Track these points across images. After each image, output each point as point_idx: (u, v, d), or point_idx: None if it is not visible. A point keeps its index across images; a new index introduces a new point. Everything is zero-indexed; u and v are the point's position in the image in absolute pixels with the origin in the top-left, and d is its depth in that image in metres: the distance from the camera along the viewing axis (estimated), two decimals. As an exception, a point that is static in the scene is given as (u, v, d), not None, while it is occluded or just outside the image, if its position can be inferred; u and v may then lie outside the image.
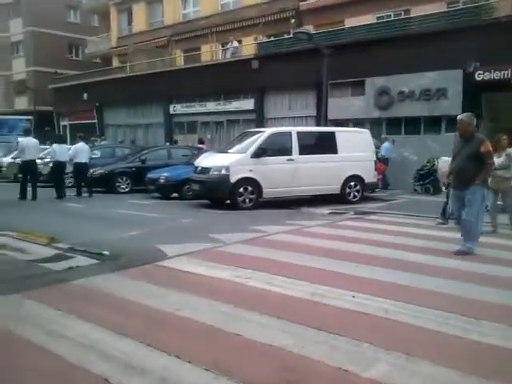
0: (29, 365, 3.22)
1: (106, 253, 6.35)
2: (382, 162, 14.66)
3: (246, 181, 11.21)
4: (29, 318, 4.04)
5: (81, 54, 38.75)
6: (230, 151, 12.16)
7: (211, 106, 22.17)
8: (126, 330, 3.70)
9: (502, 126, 11.59)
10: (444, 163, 9.75)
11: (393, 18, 18.64)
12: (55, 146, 14.52)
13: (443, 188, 7.99)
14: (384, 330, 3.78)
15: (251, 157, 11.26)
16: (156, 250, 6.54)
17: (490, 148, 6.29)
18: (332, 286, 4.78)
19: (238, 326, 3.76)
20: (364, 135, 12.90)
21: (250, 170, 11.21)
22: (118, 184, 15.27)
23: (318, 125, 17.13)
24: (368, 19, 19.10)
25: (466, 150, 6.27)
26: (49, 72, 33.65)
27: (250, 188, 11.25)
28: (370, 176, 12.57)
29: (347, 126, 16.43)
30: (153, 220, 9.64)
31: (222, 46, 24.65)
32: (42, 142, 19.77)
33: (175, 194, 13.58)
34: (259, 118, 20.15)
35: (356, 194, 12.41)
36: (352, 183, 12.33)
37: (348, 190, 12.29)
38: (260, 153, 11.28)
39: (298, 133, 11.96)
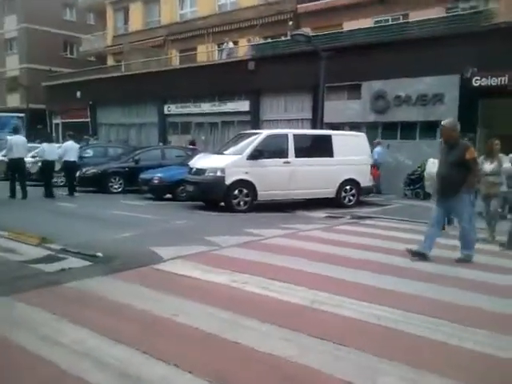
0: (21, 372, 3.09)
1: (99, 254, 6.21)
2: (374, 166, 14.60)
3: (242, 183, 11.10)
4: (21, 322, 3.90)
5: (75, 52, 38.45)
6: (225, 153, 12.05)
7: (206, 107, 22.02)
8: (121, 335, 3.58)
9: (497, 132, 11.57)
10: (431, 164, 9.60)
11: (391, 23, 18.61)
12: (45, 144, 14.40)
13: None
14: (386, 339, 3.69)
15: (247, 159, 11.16)
16: (150, 253, 6.40)
17: (475, 154, 6.20)
18: (331, 293, 4.68)
19: (237, 334, 3.64)
20: (360, 139, 12.84)
21: (246, 172, 11.10)
22: (110, 184, 15.09)
23: (313, 128, 17.03)
24: (366, 23, 19.07)
25: (451, 157, 6.15)
26: (42, 69, 33.34)
27: (245, 190, 11.14)
28: (365, 180, 12.51)
29: (343, 129, 16.34)
30: (147, 221, 9.49)
31: (219, 47, 24.52)
32: (32, 141, 19.59)
33: (169, 195, 13.43)
34: (254, 120, 20.02)
35: (351, 198, 12.33)
36: (348, 187, 12.26)
37: (343, 194, 12.22)
38: (256, 155, 11.18)
39: (295, 135, 11.87)
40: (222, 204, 11.33)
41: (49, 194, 13.72)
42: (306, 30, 17.86)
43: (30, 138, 23.62)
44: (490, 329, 3.87)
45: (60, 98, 28.83)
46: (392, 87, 16.25)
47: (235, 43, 23.45)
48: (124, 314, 4.08)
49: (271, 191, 11.36)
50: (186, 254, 6.32)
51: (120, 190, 15.16)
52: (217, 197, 11.27)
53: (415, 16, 17.49)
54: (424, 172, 13.26)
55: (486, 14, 14.37)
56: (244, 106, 20.51)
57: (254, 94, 20.18)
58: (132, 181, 14.54)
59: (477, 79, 14.11)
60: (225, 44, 22.94)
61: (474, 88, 14.12)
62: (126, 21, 31.15)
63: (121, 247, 6.79)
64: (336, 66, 15.54)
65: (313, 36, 16.36)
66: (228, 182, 10.95)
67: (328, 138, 12.22)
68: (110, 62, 31.33)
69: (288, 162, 11.48)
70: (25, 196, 13.14)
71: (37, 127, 27.53)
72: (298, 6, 21.92)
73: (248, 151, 11.22)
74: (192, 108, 22.57)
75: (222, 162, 11.24)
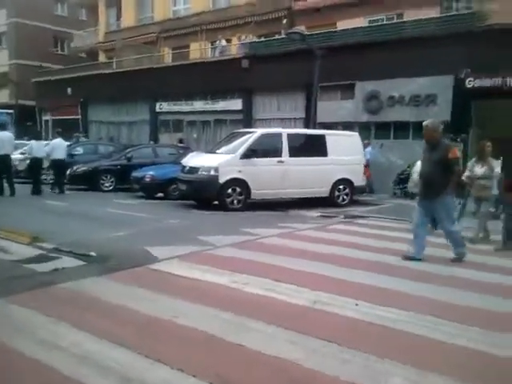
0: (20, 378, 2.99)
1: (92, 254, 6.10)
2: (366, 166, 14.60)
3: (235, 182, 11.03)
4: (17, 325, 3.77)
5: (66, 48, 38.04)
6: (218, 151, 11.97)
7: (198, 105, 21.86)
8: (121, 338, 3.48)
9: (490, 134, 11.59)
10: (419, 167, 9.57)
11: (385, 22, 18.60)
12: (33, 141, 14.32)
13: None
14: (390, 340, 3.65)
15: (240, 158, 11.09)
16: (145, 252, 6.30)
17: (458, 154, 6.20)
18: (333, 293, 4.62)
19: (240, 336, 3.57)
20: (354, 138, 12.83)
21: (239, 171, 11.03)
22: (101, 182, 14.92)
23: (306, 127, 16.98)
24: (360, 22, 19.05)
25: (433, 158, 6.07)
26: (32, 65, 32.95)
27: (238, 189, 11.07)
28: (358, 179, 12.50)
29: (336, 129, 16.30)
30: (140, 220, 9.38)
31: (212, 45, 24.37)
32: (21, 137, 19.35)
33: (160, 194, 13.30)
34: (247, 119, 19.93)
35: (345, 197, 12.32)
36: (341, 186, 12.25)
37: (337, 193, 12.21)
38: (249, 154, 11.11)
39: (289, 135, 11.83)
40: (215, 203, 11.24)
41: (37, 192, 13.58)
42: (301, 29, 17.84)
43: (20, 134, 23.37)
44: (485, 327, 3.88)
45: (50, 94, 28.46)
46: (385, 87, 16.25)
47: (228, 41, 23.34)
48: (122, 316, 3.98)
49: (265, 190, 11.30)
50: (182, 253, 6.23)
51: (111, 188, 14.99)
52: (210, 195, 11.18)
53: (410, 16, 17.49)
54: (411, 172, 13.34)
55: (480, 15, 14.38)
56: (237, 104, 20.40)
57: (246, 93, 20.08)
58: (123, 179, 14.38)
59: (470, 80, 14.16)
60: (217, 42, 22.81)
61: (468, 89, 14.17)
62: (119, 17, 30.84)
63: (114, 246, 6.67)
64: (330, 66, 15.48)
65: (307, 35, 16.35)
66: (221, 180, 10.87)
67: (322, 138, 12.19)
68: (102, 58, 31.02)
69: (282, 162, 11.42)
70: (13, 193, 12.96)
71: (26, 124, 27.16)
72: (293, 3, 21.85)
73: (242, 150, 11.14)
74: (184, 106, 22.39)
75: (216, 161, 11.16)
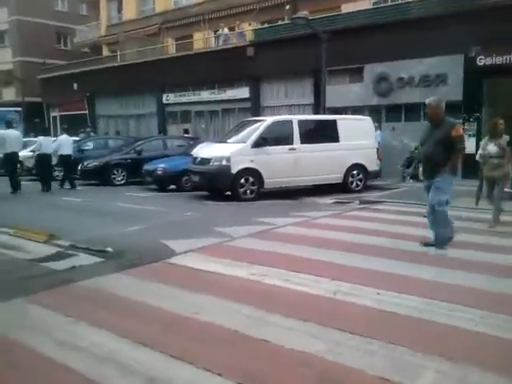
0: (39, 380, 2.94)
1: (109, 250, 6.05)
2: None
3: (247, 171, 10.93)
4: (36, 326, 3.72)
5: (69, 44, 37.96)
6: (229, 141, 11.86)
7: (205, 95, 21.74)
8: (142, 337, 3.42)
9: (503, 111, 11.37)
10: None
11: (390, 3, 18.25)
12: (41, 138, 14.33)
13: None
14: (415, 330, 3.54)
15: (252, 147, 10.97)
16: (162, 246, 6.25)
17: (462, 132, 5.88)
18: (354, 283, 4.52)
19: (264, 331, 3.49)
20: (366, 123, 12.66)
21: (251, 161, 10.91)
22: (113, 176, 14.91)
23: (315, 113, 16.83)
24: (364, 5, 18.72)
25: (435, 136, 5.80)
26: (37, 62, 32.87)
27: (251, 179, 10.96)
28: (372, 164, 12.34)
29: (345, 113, 16.13)
30: (154, 213, 9.33)
31: (215, 34, 24.14)
32: (27, 134, 19.36)
33: (173, 186, 13.26)
34: (255, 107, 19.78)
35: (359, 182, 12.19)
36: (355, 172, 12.11)
37: (351, 179, 12.08)
38: (261, 142, 10.99)
39: (299, 121, 11.68)
40: (228, 193, 11.17)
41: (47, 188, 13.66)
42: (304, 13, 17.55)
43: (28, 132, 23.43)
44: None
45: (56, 90, 28.48)
46: (394, 69, 16.00)
47: (232, 29, 23.08)
48: (143, 314, 3.92)
49: (277, 179, 11.19)
50: (199, 246, 6.16)
51: (123, 182, 14.98)
52: (223, 186, 11.09)
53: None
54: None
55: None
56: (244, 92, 20.24)
57: (253, 81, 19.91)
58: (135, 172, 14.37)
59: (481, 58, 13.90)
60: (220, 30, 22.58)
61: (479, 67, 13.92)
62: (120, 10, 30.69)
63: (131, 241, 6.63)
64: (337, 50, 15.28)
65: (312, 19, 16.09)
66: (234, 170, 10.77)
67: (333, 123, 12.03)
68: (105, 52, 30.94)
69: (293, 149, 11.29)
70: (15, 190, 13.10)
71: (34, 121, 27.21)
72: (296, -12, 21.51)
73: (253, 139, 11.02)
74: (191, 96, 22.28)
75: (227, 151, 11.05)
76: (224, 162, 10.83)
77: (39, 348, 3.31)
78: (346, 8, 19.33)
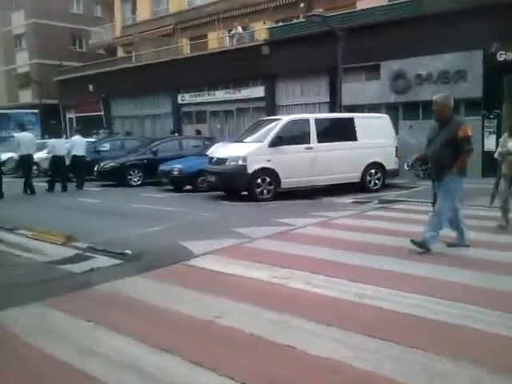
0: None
1: (127, 252, 6.00)
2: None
3: (264, 171, 10.82)
4: (55, 331, 3.67)
5: (85, 46, 38.25)
6: (245, 141, 11.76)
7: (220, 95, 21.68)
8: (163, 342, 3.34)
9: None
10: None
11: (406, -1, 17.99)
12: (53, 140, 14.60)
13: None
14: (444, 335, 3.41)
15: (268, 146, 10.85)
16: (180, 248, 6.17)
17: (470, 132, 5.48)
18: (377, 285, 4.39)
19: (288, 336, 3.38)
20: (384, 121, 12.47)
21: (268, 160, 10.80)
22: (129, 177, 14.93)
23: (331, 111, 16.66)
24: (380, 1, 18.46)
25: (442, 136, 5.51)
26: (53, 64, 33.19)
27: (267, 179, 10.85)
28: (390, 163, 12.13)
29: (362, 111, 15.94)
30: (171, 214, 9.27)
31: (229, 33, 24.07)
32: (43, 136, 19.54)
33: (189, 187, 13.22)
34: (270, 106, 19.65)
35: (377, 181, 12.01)
36: (373, 171, 11.93)
37: (369, 178, 11.89)
38: (277, 142, 10.87)
39: (316, 120, 11.54)
40: (244, 193, 11.07)
41: (63, 189, 13.88)
42: (319, 11, 17.39)
43: (44, 133, 23.65)
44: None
45: (72, 92, 28.68)
46: (412, 66, 15.76)
47: (245, 28, 22.98)
48: (163, 318, 3.84)
49: (295, 178, 11.06)
50: (218, 247, 6.08)
51: (139, 182, 15.00)
52: (240, 186, 11.00)
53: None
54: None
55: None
56: (259, 91, 20.13)
57: (268, 79, 19.79)
58: (151, 173, 14.35)
59: (501, 53, 13.61)
60: (234, 30, 22.50)
61: (499, 63, 13.63)
62: (134, 11, 30.76)
63: (149, 243, 6.57)
64: (352, 47, 15.07)
65: (327, 16, 15.92)
66: (250, 170, 10.67)
67: (351, 121, 11.87)
68: (120, 53, 31.04)
69: (310, 148, 11.16)
70: (26, 191, 13.34)
71: (51, 123, 27.43)
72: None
73: (269, 138, 10.90)
74: (206, 96, 22.24)
75: (244, 151, 10.95)
76: (240, 162, 10.74)
77: (58, 353, 3.25)
78: (361, 5, 19.10)
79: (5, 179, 14.28)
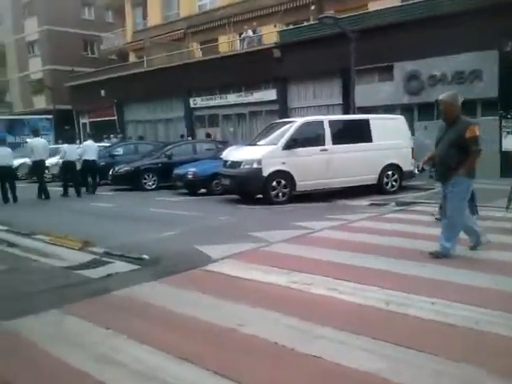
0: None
1: (145, 257, 5.94)
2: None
3: (279, 174, 10.71)
4: (73, 338, 3.59)
5: (96, 51, 38.50)
6: (259, 143, 11.68)
7: (232, 98, 21.66)
8: (184, 351, 3.24)
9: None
10: None
11: (419, 0, 17.80)
12: (65, 145, 14.67)
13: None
14: (481, 345, 3.25)
15: (283, 149, 10.75)
16: (198, 252, 6.09)
17: (478, 133, 5.23)
18: (405, 291, 4.25)
19: (315, 346, 3.26)
20: (399, 122, 12.30)
21: (283, 163, 10.70)
22: (144, 181, 14.91)
23: (345, 113, 16.54)
24: (392, 2, 18.31)
25: (449, 136, 5.29)
26: (65, 70, 33.45)
27: (283, 181, 10.74)
28: (407, 164, 11.95)
29: (376, 113, 15.78)
30: (187, 218, 9.21)
31: (240, 37, 24.05)
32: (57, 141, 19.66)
33: (203, 190, 13.17)
34: (282, 109, 19.58)
35: (394, 183, 11.84)
36: (389, 172, 11.76)
37: (385, 180, 11.73)
38: (292, 144, 10.76)
39: (331, 121, 11.42)
40: (259, 196, 10.98)
41: (77, 194, 13.96)
42: (331, 13, 17.28)
43: (59, 138, 23.80)
44: None
45: (85, 97, 28.86)
46: (425, 66, 15.60)
47: (254, 32, 22.94)
48: (183, 326, 3.75)
49: (310, 181, 10.94)
50: (235, 252, 5.98)
51: (154, 186, 14.98)
52: (255, 189, 10.91)
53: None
54: None
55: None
56: (271, 94, 20.08)
57: (280, 82, 19.73)
58: (165, 177, 14.33)
59: (517, 53, 13.41)
60: (244, 33, 22.47)
61: (515, 62, 13.42)
62: (145, 16, 30.88)
63: (166, 247, 6.50)
64: (365, 48, 14.97)
65: (339, 18, 15.82)
66: (265, 173, 10.57)
67: (366, 123, 11.72)
68: (132, 58, 31.17)
69: (325, 150, 11.04)
70: (41, 196, 13.42)
71: (65, 128, 27.62)
72: (322, -12, 21.24)
73: (283, 141, 10.81)
74: (218, 100, 22.23)
75: (258, 154, 10.86)
76: (255, 165, 10.65)
77: (74, 361, 3.18)
78: (372, 6, 18.98)
79: (19, 184, 14.43)
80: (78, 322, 3.91)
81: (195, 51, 26.68)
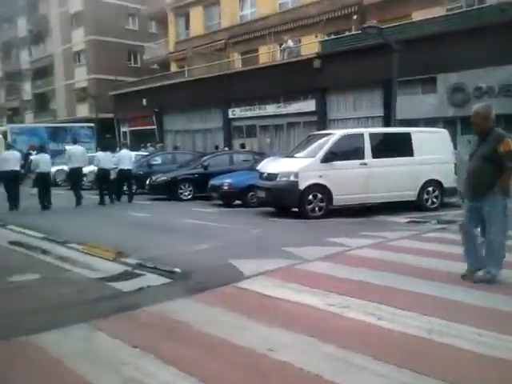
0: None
1: (177, 270, 5.84)
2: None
3: (316, 187, 10.47)
4: (99, 356, 3.49)
5: (139, 61, 39.34)
6: (296, 156, 11.49)
7: (271, 109, 21.60)
8: (214, 377, 3.10)
9: None
10: None
11: (465, 9, 17.32)
12: (99, 153, 15.01)
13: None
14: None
15: (321, 161, 10.52)
16: (230, 267, 5.96)
17: None
18: (448, 319, 3.96)
19: (352, 377, 3.05)
20: (442, 135, 11.87)
21: (320, 176, 10.46)
22: (180, 191, 14.95)
23: (385, 125, 16.19)
24: (437, 12, 17.87)
25: (482, 150, 4.95)
26: (109, 79, 34.28)
27: (319, 195, 10.50)
28: (449, 180, 11.49)
29: (417, 126, 15.36)
30: (221, 230, 9.12)
31: (280, 47, 24.02)
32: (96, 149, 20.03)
33: (238, 201, 13.07)
34: (321, 120, 19.37)
35: (435, 200, 11.39)
36: (430, 188, 11.33)
37: (426, 196, 11.30)
38: (330, 157, 10.51)
39: (371, 134, 11.12)
40: (295, 210, 10.77)
41: (111, 201, 14.22)
42: (374, 23, 16.98)
43: (100, 146, 24.28)
44: None
45: (127, 106, 29.43)
46: (471, 78, 15.11)
47: (296, 42, 22.87)
48: (213, 347, 3.59)
49: (348, 195, 10.64)
50: (269, 269, 5.79)
51: (190, 196, 14.99)
52: (290, 203, 10.73)
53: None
54: None
55: None
56: (310, 105, 19.91)
57: (320, 93, 19.55)
58: (201, 187, 14.32)
59: None
60: (284, 44, 22.41)
61: None
62: (187, 26, 31.34)
63: (198, 261, 6.40)
64: (408, 59, 14.64)
65: (382, 28, 15.53)
66: (302, 186, 10.36)
67: (407, 136, 11.35)
68: (173, 68, 31.64)
69: (365, 164, 10.74)
70: (79, 203, 13.64)
71: (106, 136, 28.21)
72: (364, -3, 21.00)
73: (322, 153, 10.58)
74: (257, 111, 22.22)
75: (295, 166, 10.68)
76: (291, 178, 10.46)
77: (100, 383, 3.08)
78: (416, 16, 18.62)
79: (58, 191, 14.75)
80: (107, 339, 3.82)
81: (235, 61, 26.83)
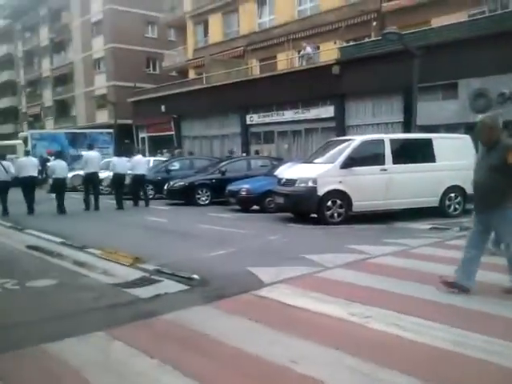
0: None
1: (195, 277, 5.75)
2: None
3: (335, 193, 10.33)
4: (116, 367, 3.39)
5: (158, 68, 39.64)
6: (315, 161, 11.37)
7: (289, 115, 21.50)
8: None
9: None
10: None
11: (487, 14, 17.04)
12: (114, 158, 15.15)
13: None
14: None
15: (340, 167, 10.38)
16: (249, 275, 5.84)
17: None
18: (476, 332, 3.78)
19: (377, 392, 2.91)
20: (464, 142, 11.60)
21: (339, 182, 10.32)
22: (197, 196, 14.94)
23: (405, 131, 15.96)
24: (458, 17, 17.61)
25: (490, 160, 4.76)
26: (128, 86, 34.57)
27: (338, 201, 10.35)
28: (471, 186, 11.21)
29: (438, 131, 15.11)
30: (239, 236, 9.02)
31: (299, 54, 23.94)
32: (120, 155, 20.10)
33: (256, 207, 12.97)
34: (340, 126, 19.20)
35: (457, 206, 11.17)
36: (452, 194, 11.11)
37: (448, 203, 11.08)
38: (350, 163, 10.37)
39: (392, 140, 10.94)
40: (313, 216, 10.63)
41: (120, 206, 14.21)
42: (394, 29, 16.81)
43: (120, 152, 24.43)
44: None
45: (145, 112, 29.62)
46: (494, 84, 14.74)
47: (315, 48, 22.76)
48: (232, 359, 3.47)
49: (367, 201, 10.48)
50: (288, 276, 5.66)
51: (207, 202, 14.96)
52: (309, 209, 10.59)
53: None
54: None
55: None
56: (328, 111, 19.75)
57: (338, 99, 19.38)
58: (219, 192, 14.30)
59: None
60: (302, 50, 22.32)
61: None
62: (206, 33, 31.46)
63: (216, 267, 6.31)
64: (428, 65, 14.45)
65: (403, 34, 15.35)
66: (320, 192, 10.22)
67: (428, 142, 11.16)
68: (192, 75, 31.75)
69: (385, 170, 10.57)
70: (97, 207, 13.87)
71: (124, 142, 28.41)
72: (383, 4, 20.82)
73: (341, 159, 10.44)
74: (274, 117, 22.14)
75: (314, 172, 10.55)
76: (310, 184, 10.33)
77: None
78: (436, 22, 18.37)
79: (73, 195, 14.82)
80: (123, 348, 3.72)
81: (253, 68, 26.82)
